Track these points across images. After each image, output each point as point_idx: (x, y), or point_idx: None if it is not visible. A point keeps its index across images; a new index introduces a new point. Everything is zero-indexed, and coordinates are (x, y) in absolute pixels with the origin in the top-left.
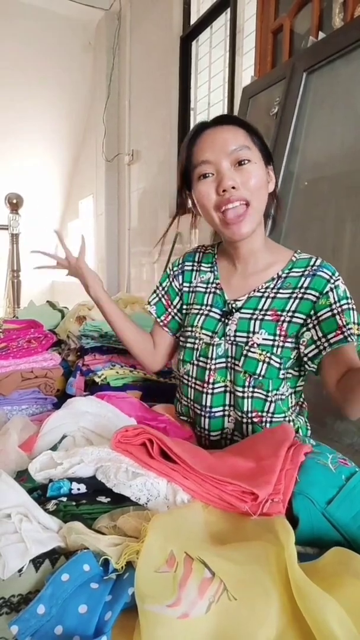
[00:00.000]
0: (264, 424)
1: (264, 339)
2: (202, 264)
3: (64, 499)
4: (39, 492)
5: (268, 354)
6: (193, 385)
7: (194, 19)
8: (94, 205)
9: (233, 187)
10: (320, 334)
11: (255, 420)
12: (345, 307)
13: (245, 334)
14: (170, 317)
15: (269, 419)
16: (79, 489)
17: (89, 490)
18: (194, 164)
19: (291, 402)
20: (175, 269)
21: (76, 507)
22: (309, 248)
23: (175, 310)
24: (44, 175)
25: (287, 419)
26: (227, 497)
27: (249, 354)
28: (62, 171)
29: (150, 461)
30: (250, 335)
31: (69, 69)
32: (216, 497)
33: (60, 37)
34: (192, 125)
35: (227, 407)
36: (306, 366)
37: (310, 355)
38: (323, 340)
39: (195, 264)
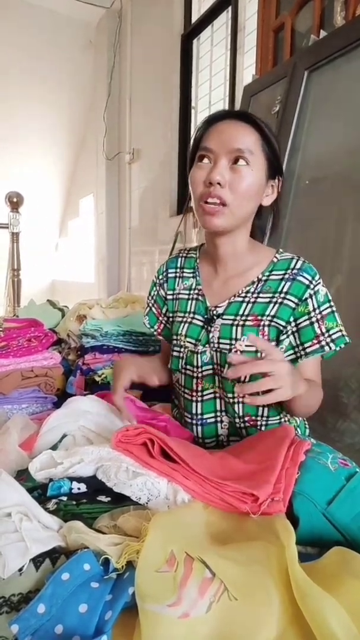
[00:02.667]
0: (259, 427)
1: (247, 345)
2: (185, 270)
3: (64, 498)
4: (39, 492)
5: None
6: (183, 393)
7: (195, 17)
8: (94, 204)
9: (219, 183)
10: (298, 342)
11: (249, 424)
12: (325, 312)
13: (228, 341)
14: (162, 325)
15: (264, 422)
16: (79, 489)
17: (89, 490)
18: (200, 147)
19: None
20: (160, 277)
21: (76, 507)
22: (310, 247)
23: (165, 319)
24: (44, 173)
25: (283, 420)
26: (227, 498)
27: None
28: (63, 170)
29: (151, 461)
30: (233, 342)
31: (70, 68)
32: (217, 497)
33: (61, 35)
34: (193, 124)
35: (218, 413)
36: None
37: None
38: (300, 348)
39: (178, 270)
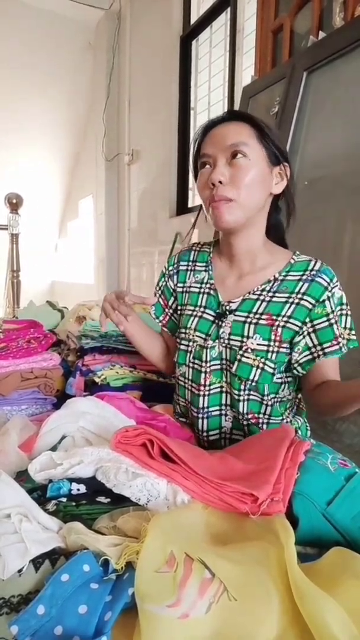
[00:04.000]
0: (260, 425)
1: (258, 344)
2: (197, 263)
3: (64, 500)
4: (39, 493)
5: (262, 359)
6: (189, 387)
7: (194, 19)
8: (93, 205)
9: (220, 182)
10: (315, 342)
11: (252, 421)
12: (339, 313)
13: (239, 338)
14: (167, 317)
15: (265, 421)
16: (78, 490)
17: (89, 491)
18: (200, 157)
19: (289, 403)
20: (170, 268)
21: (76, 508)
22: (309, 248)
23: (171, 311)
24: (43, 174)
25: (284, 420)
26: (227, 498)
27: (243, 359)
28: (62, 171)
29: (151, 461)
30: (245, 339)
31: (69, 69)
32: (216, 498)
33: (60, 37)
34: (192, 125)
35: (223, 407)
36: (295, 371)
37: (302, 361)
38: (318, 348)
39: (190, 263)
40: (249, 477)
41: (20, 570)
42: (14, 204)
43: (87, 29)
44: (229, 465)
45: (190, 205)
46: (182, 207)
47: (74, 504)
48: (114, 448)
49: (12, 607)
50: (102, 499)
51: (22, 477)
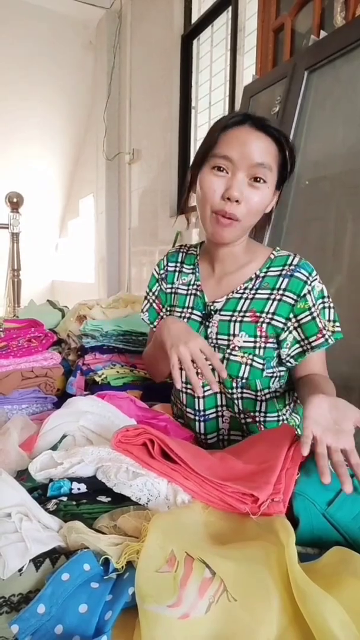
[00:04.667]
0: (258, 423)
1: (244, 341)
2: (185, 265)
3: (64, 499)
4: (39, 492)
5: (250, 356)
6: (185, 390)
7: (195, 18)
8: (94, 204)
9: (237, 201)
10: (302, 336)
11: (249, 420)
12: (320, 306)
13: (225, 337)
14: None
15: (262, 418)
16: (79, 489)
17: (89, 490)
18: (216, 153)
19: (287, 400)
20: (161, 271)
21: (76, 507)
22: (309, 247)
23: (167, 314)
24: (44, 174)
25: (281, 417)
26: (227, 499)
27: (231, 357)
28: (63, 170)
29: (151, 461)
30: (231, 338)
31: (70, 68)
32: (216, 498)
33: (61, 36)
34: (193, 124)
35: (219, 408)
36: (287, 364)
37: (293, 354)
38: (306, 342)
39: (178, 264)
40: (250, 478)
41: (20, 570)
42: (15, 203)
43: (88, 28)
44: (229, 465)
45: (191, 204)
46: (182, 207)
47: (74, 503)
48: (115, 447)
49: (13, 606)
50: (102, 498)
51: (22, 476)
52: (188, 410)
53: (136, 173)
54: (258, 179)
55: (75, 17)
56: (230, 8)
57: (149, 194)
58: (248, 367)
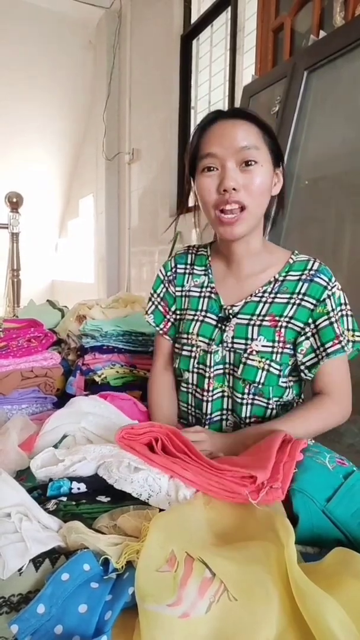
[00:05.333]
0: None
1: (263, 345)
2: (195, 267)
3: (64, 499)
4: (39, 492)
5: (267, 361)
6: (193, 392)
7: (194, 18)
8: (94, 204)
9: (234, 189)
10: (319, 343)
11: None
12: (339, 313)
13: (243, 341)
14: (169, 324)
15: None
16: (78, 489)
17: (89, 490)
18: (201, 154)
19: (292, 407)
20: (169, 273)
21: (76, 507)
22: (309, 247)
23: (173, 317)
24: (44, 174)
25: None
26: (227, 483)
27: (248, 361)
28: (62, 170)
29: (152, 455)
30: (249, 342)
31: (70, 68)
32: (216, 484)
33: (60, 35)
34: (192, 124)
35: (224, 412)
36: (302, 375)
37: (308, 364)
38: (321, 349)
39: (188, 266)
40: (247, 465)
41: (20, 570)
42: (14, 202)
43: (87, 28)
44: (227, 460)
45: (191, 204)
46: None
47: (74, 503)
48: (117, 441)
49: (12, 606)
50: (102, 498)
51: (22, 476)
52: (197, 411)
53: (136, 173)
54: (249, 162)
55: (75, 16)
56: (229, 8)
57: (148, 194)
58: (265, 373)
